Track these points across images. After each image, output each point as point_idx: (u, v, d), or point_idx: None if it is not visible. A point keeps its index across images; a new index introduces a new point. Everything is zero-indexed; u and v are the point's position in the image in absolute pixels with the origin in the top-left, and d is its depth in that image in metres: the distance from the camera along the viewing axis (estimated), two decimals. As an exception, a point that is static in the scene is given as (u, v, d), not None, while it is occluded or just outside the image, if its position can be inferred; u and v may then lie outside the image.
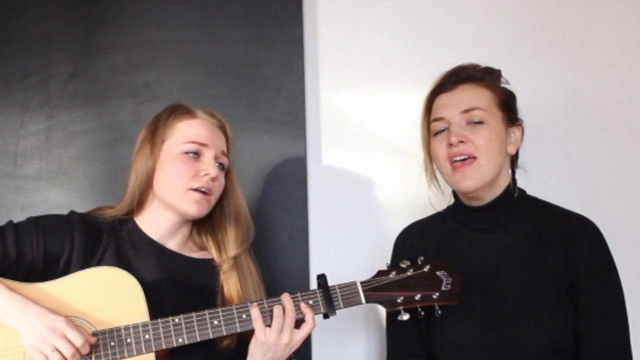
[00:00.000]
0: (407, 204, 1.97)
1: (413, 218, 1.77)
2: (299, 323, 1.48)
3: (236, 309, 1.47)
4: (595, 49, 2.02)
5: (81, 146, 2.04)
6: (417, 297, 1.49)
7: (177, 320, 1.44)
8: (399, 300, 1.49)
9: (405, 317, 1.48)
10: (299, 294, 1.49)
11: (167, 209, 1.58)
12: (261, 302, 1.48)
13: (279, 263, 1.98)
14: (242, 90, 2.04)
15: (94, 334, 1.43)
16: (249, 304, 1.47)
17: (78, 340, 1.36)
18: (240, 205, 1.66)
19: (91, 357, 1.42)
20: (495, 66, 1.65)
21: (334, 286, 1.50)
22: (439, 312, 1.49)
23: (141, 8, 2.05)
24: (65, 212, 1.62)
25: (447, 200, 1.74)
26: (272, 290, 1.66)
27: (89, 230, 1.56)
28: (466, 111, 1.58)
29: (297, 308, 1.47)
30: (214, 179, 1.56)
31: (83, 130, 2.04)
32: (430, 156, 1.66)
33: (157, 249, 1.59)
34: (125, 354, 1.42)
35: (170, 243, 1.61)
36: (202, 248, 1.66)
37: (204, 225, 1.65)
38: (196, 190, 1.55)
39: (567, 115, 2.01)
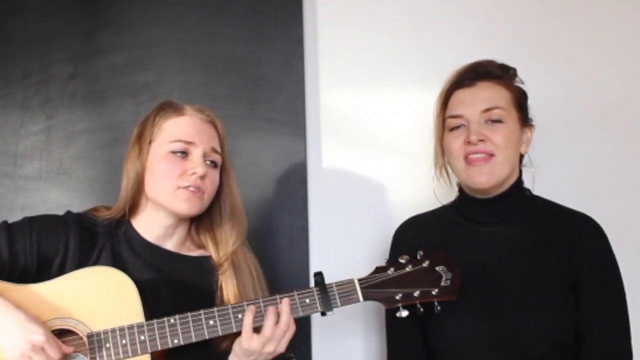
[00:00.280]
0: (407, 204, 1.96)
1: (413, 217, 1.78)
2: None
3: (232, 308, 1.45)
4: (596, 48, 2.02)
5: (81, 146, 2.04)
6: (416, 293, 1.47)
7: (172, 320, 1.43)
8: (397, 297, 1.47)
9: (404, 313, 1.47)
10: (295, 292, 1.47)
11: (160, 210, 1.56)
12: (257, 301, 1.46)
13: (279, 263, 1.98)
14: (242, 90, 2.04)
15: (89, 336, 1.42)
16: (245, 304, 1.46)
17: (56, 356, 1.36)
18: (236, 202, 1.63)
19: (87, 358, 1.42)
20: (496, 66, 1.66)
21: (331, 284, 1.48)
22: (439, 308, 1.47)
23: (141, 8, 2.05)
24: (69, 210, 1.62)
25: (452, 197, 1.73)
26: (271, 291, 1.65)
27: (84, 232, 1.54)
28: (487, 110, 1.57)
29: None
30: (202, 177, 1.52)
31: (83, 130, 2.04)
32: (442, 150, 1.65)
33: (154, 251, 1.57)
34: (121, 355, 1.41)
35: (167, 244, 1.59)
36: (201, 246, 1.64)
37: (202, 223, 1.63)
38: (185, 188, 1.52)
39: (568, 115, 2.01)
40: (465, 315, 1.56)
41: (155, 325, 1.43)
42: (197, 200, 1.53)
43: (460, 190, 1.69)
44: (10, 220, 1.57)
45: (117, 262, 1.53)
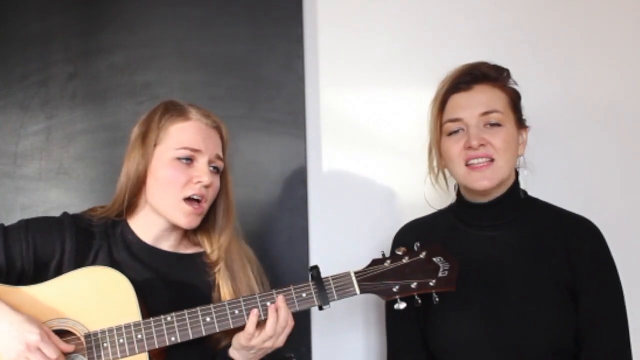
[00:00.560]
0: (407, 204, 1.97)
1: (413, 218, 1.77)
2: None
3: (228, 304, 1.46)
4: (596, 49, 2.02)
5: (81, 146, 2.04)
6: (414, 285, 1.46)
7: (169, 318, 1.43)
8: (394, 289, 1.46)
9: (402, 305, 1.46)
10: (291, 287, 1.48)
11: (158, 214, 1.55)
12: (254, 297, 1.47)
13: (279, 263, 1.97)
14: (242, 90, 2.04)
15: (87, 336, 1.42)
16: (241, 299, 1.46)
17: (53, 354, 1.35)
18: (231, 204, 1.63)
19: (85, 356, 1.42)
20: (498, 66, 1.66)
21: (327, 277, 1.48)
22: (437, 299, 1.47)
23: (141, 8, 2.05)
24: (65, 211, 1.62)
25: (450, 200, 1.73)
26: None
27: (80, 233, 1.54)
28: (485, 113, 1.57)
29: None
30: (207, 186, 1.52)
31: (83, 130, 2.04)
32: (439, 154, 1.65)
33: (150, 251, 1.57)
34: (119, 354, 1.41)
35: (164, 244, 1.59)
36: (197, 244, 1.64)
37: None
38: (189, 199, 1.51)
39: (566, 116, 2.01)
40: (465, 318, 1.57)
41: (152, 324, 1.43)
42: (197, 216, 1.53)
43: (458, 194, 1.69)
44: (10, 220, 1.58)
45: (114, 263, 1.53)
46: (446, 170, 1.68)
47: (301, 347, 1.96)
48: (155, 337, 1.42)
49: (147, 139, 1.55)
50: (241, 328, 1.46)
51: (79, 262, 1.51)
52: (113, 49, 2.05)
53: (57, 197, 2.02)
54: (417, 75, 2.04)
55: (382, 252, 1.54)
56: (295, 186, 2.02)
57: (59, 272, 1.50)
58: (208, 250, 1.61)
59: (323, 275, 1.49)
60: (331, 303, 1.47)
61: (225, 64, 2.04)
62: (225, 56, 2.04)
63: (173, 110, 1.57)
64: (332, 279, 1.48)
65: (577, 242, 1.57)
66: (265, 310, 1.45)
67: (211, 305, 1.45)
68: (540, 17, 2.04)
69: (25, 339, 1.34)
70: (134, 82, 2.04)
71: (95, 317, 1.43)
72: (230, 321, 1.45)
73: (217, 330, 1.45)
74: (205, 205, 1.55)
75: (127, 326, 1.42)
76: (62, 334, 1.43)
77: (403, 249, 1.51)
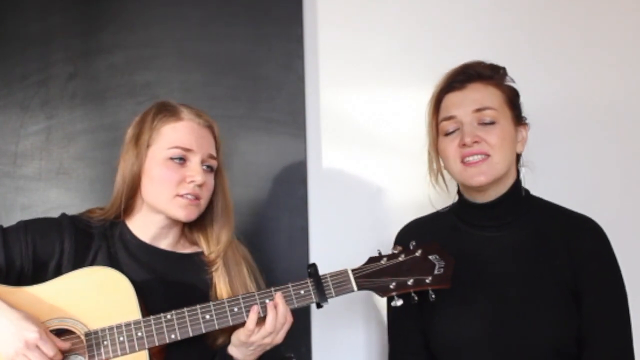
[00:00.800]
0: (408, 204, 1.96)
1: (413, 217, 1.77)
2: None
3: (228, 302, 1.47)
4: (596, 48, 2.02)
5: (81, 146, 2.04)
6: (410, 282, 1.48)
7: (169, 316, 1.44)
8: (391, 286, 1.48)
9: (399, 302, 1.48)
10: (290, 285, 1.49)
11: (156, 212, 1.57)
12: (252, 294, 1.48)
13: (279, 263, 1.97)
14: (242, 90, 2.04)
15: (87, 334, 1.43)
16: (240, 297, 1.47)
17: (51, 352, 1.36)
18: (228, 202, 1.64)
19: (85, 356, 1.42)
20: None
21: (325, 275, 1.50)
22: (433, 296, 1.48)
23: (141, 8, 2.05)
24: (65, 212, 1.62)
25: (451, 200, 1.73)
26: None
27: (79, 234, 1.55)
28: (478, 110, 1.57)
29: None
30: (200, 185, 1.54)
31: (83, 130, 2.04)
32: (437, 155, 1.65)
33: (149, 251, 1.58)
34: (119, 352, 1.42)
35: (162, 243, 1.60)
36: (194, 243, 1.65)
37: (195, 222, 1.63)
38: (182, 196, 1.53)
39: (567, 114, 2.01)
40: (465, 318, 1.56)
41: (152, 322, 1.44)
42: (194, 208, 1.55)
43: (460, 195, 1.68)
44: (10, 220, 1.58)
45: (113, 263, 1.54)
46: (445, 172, 1.68)
47: (301, 347, 1.96)
48: (155, 334, 1.43)
49: (141, 139, 1.57)
50: (240, 325, 1.47)
51: (78, 262, 1.52)
52: (113, 49, 2.05)
53: (57, 197, 2.02)
54: (417, 75, 2.04)
55: (379, 250, 1.55)
56: (295, 186, 2.02)
57: (58, 272, 1.51)
58: (205, 250, 1.62)
59: (321, 273, 1.51)
60: (330, 301, 1.49)
61: (225, 64, 2.05)
62: (225, 56, 2.05)
63: (165, 110, 1.59)
64: (330, 277, 1.50)
65: (580, 242, 1.56)
66: (265, 308, 1.46)
67: (211, 303, 1.47)
68: (540, 17, 2.04)
69: (24, 337, 1.34)
70: (134, 82, 2.04)
71: (96, 316, 1.44)
72: (230, 319, 1.46)
73: (217, 328, 1.46)
74: (202, 202, 1.56)
75: (127, 324, 1.43)
76: (63, 333, 1.44)
77: (399, 247, 1.53)
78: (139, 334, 1.43)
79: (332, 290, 1.49)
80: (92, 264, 1.54)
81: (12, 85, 2.05)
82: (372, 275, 1.50)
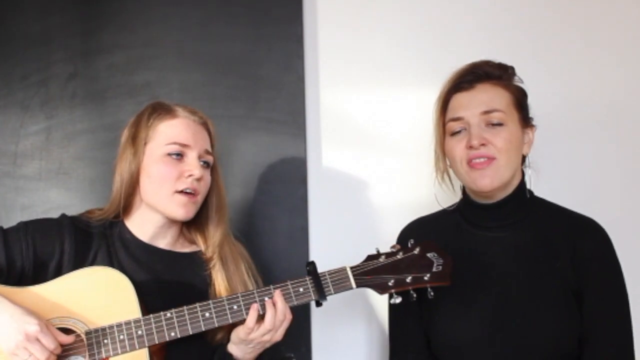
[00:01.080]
0: (407, 204, 1.96)
1: (413, 218, 1.77)
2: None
3: (227, 300, 1.48)
4: (599, 48, 2.02)
5: (81, 146, 2.04)
6: (408, 279, 1.49)
7: (168, 314, 1.45)
8: (389, 284, 1.49)
9: (398, 300, 1.49)
10: (289, 282, 1.50)
11: (154, 211, 1.58)
12: (251, 292, 1.48)
13: (279, 263, 1.98)
14: (242, 90, 2.04)
15: (87, 333, 1.43)
16: (239, 295, 1.48)
17: (51, 345, 1.36)
18: (223, 199, 1.66)
19: (85, 357, 1.42)
20: (501, 66, 1.66)
21: (323, 272, 1.51)
22: (431, 294, 1.48)
23: (141, 8, 2.06)
24: (65, 212, 1.62)
25: (456, 198, 1.73)
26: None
27: (79, 234, 1.56)
28: (486, 112, 1.57)
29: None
30: (198, 179, 1.56)
31: (83, 130, 2.04)
32: (443, 154, 1.65)
33: (148, 250, 1.59)
34: (119, 350, 1.43)
35: (161, 243, 1.61)
36: (193, 242, 1.66)
37: (193, 221, 1.64)
38: (182, 192, 1.54)
39: (571, 115, 2.00)
40: (467, 318, 1.56)
41: (152, 320, 1.45)
42: (192, 205, 1.56)
43: (464, 194, 1.68)
44: (10, 220, 1.59)
45: (113, 263, 1.55)
46: (451, 170, 1.68)
47: (301, 346, 1.96)
48: (155, 333, 1.44)
49: (137, 138, 1.58)
50: (239, 323, 1.48)
51: (79, 262, 1.53)
52: (113, 48, 2.05)
53: (57, 197, 2.02)
54: (417, 75, 2.04)
55: (377, 248, 1.55)
56: (295, 186, 2.02)
57: (58, 272, 1.51)
58: (203, 248, 1.63)
59: (320, 271, 1.51)
60: (329, 300, 1.49)
61: (225, 64, 2.05)
62: (225, 56, 2.05)
63: (160, 109, 1.61)
64: (329, 274, 1.51)
65: (582, 243, 1.56)
66: (264, 305, 1.47)
67: (210, 301, 1.47)
68: (541, 18, 2.03)
69: (24, 330, 1.35)
70: (134, 82, 2.05)
71: (96, 315, 1.45)
72: (229, 316, 1.46)
73: (216, 326, 1.47)
74: (199, 198, 1.58)
75: (127, 323, 1.44)
76: (63, 332, 1.43)
77: (397, 245, 1.54)
78: (139, 332, 1.44)
79: (331, 288, 1.49)
80: (92, 264, 1.54)
81: (12, 85, 2.05)
82: (370, 273, 1.50)
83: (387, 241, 1.75)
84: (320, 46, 2.06)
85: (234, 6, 2.05)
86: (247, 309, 1.46)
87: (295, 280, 1.50)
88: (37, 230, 1.54)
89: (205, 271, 1.60)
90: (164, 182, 1.54)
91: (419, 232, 1.69)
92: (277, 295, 1.47)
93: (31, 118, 2.04)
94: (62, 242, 1.53)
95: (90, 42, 2.05)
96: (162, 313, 1.45)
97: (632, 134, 2.00)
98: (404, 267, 1.50)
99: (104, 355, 1.42)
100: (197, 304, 1.46)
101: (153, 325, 1.44)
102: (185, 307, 1.46)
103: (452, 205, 1.72)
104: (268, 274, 1.74)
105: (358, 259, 1.73)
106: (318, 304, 1.49)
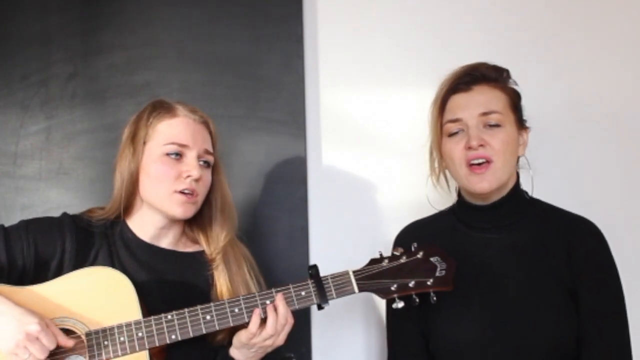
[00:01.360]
0: (407, 204, 1.96)
1: (413, 218, 1.77)
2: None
3: (228, 303, 1.47)
4: (597, 50, 2.01)
5: (81, 146, 2.04)
6: (411, 284, 1.48)
7: (169, 317, 1.45)
8: (392, 288, 1.48)
9: (400, 304, 1.48)
10: (290, 286, 1.49)
11: (155, 210, 1.57)
12: (253, 295, 1.48)
13: (279, 263, 1.97)
14: (242, 90, 2.04)
15: (87, 334, 1.43)
16: (241, 298, 1.48)
17: (52, 345, 1.36)
18: (227, 199, 1.65)
19: (85, 357, 1.42)
20: (499, 67, 1.66)
21: (326, 276, 1.50)
22: (434, 298, 1.48)
23: (141, 8, 2.05)
24: (65, 211, 1.62)
25: (451, 200, 1.73)
26: (269, 288, 1.65)
27: (80, 233, 1.55)
28: (484, 114, 1.57)
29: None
30: (197, 180, 1.55)
31: (83, 130, 2.04)
32: (440, 155, 1.65)
33: (149, 250, 1.59)
34: (119, 352, 1.42)
35: (162, 242, 1.61)
36: (196, 242, 1.66)
37: (195, 219, 1.64)
38: (180, 192, 1.54)
39: (570, 117, 2.00)
40: (465, 319, 1.56)
41: (153, 322, 1.44)
42: (191, 205, 1.56)
43: (459, 196, 1.68)
44: (10, 220, 1.58)
45: (114, 262, 1.55)
46: (447, 172, 1.68)
47: (301, 347, 1.96)
48: (155, 335, 1.44)
49: (137, 137, 1.58)
50: (241, 327, 1.47)
51: (80, 261, 1.53)
52: (113, 49, 2.05)
53: (57, 197, 2.02)
54: (417, 75, 2.04)
55: (380, 252, 1.55)
56: (295, 186, 2.02)
57: (59, 271, 1.51)
58: (206, 248, 1.62)
59: (322, 274, 1.50)
60: (330, 302, 1.48)
61: (225, 64, 2.04)
62: (225, 56, 2.05)
63: (161, 108, 1.60)
64: (331, 278, 1.50)
65: (577, 243, 1.56)
66: (265, 309, 1.46)
67: (211, 304, 1.47)
68: (541, 18, 2.03)
69: (25, 329, 1.35)
70: (134, 82, 2.04)
71: (97, 316, 1.45)
72: (230, 319, 1.46)
73: (217, 329, 1.46)
74: (199, 198, 1.57)
75: (128, 324, 1.44)
76: (64, 333, 1.43)
77: (400, 249, 1.53)
78: (140, 334, 1.43)
79: (333, 292, 1.49)
80: (93, 263, 1.54)
81: (12, 85, 2.05)
82: (373, 277, 1.49)
83: (387, 241, 1.75)
84: (320, 46, 2.06)
85: (234, 6, 2.04)
86: (249, 312, 1.46)
87: (297, 284, 1.50)
88: (38, 229, 1.53)
89: (207, 271, 1.60)
90: (163, 182, 1.54)
91: (416, 235, 1.69)
92: (279, 299, 1.46)
93: (31, 118, 2.04)
94: (64, 241, 1.53)
95: (90, 42, 2.05)
96: (162, 315, 1.45)
97: (632, 134, 2.00)
98: (407, 272, 1.49)
99: (104, 357, 1.42)
100: (199, 307, 1.46)
101: (154, 327, 1.44)
102: (186, 310, 1.45)
103: (447, 208, 1.72)
104: (268, 274, 1.73)
105: (358, 259, 1.73)
106: (320, 308, 1.49)
